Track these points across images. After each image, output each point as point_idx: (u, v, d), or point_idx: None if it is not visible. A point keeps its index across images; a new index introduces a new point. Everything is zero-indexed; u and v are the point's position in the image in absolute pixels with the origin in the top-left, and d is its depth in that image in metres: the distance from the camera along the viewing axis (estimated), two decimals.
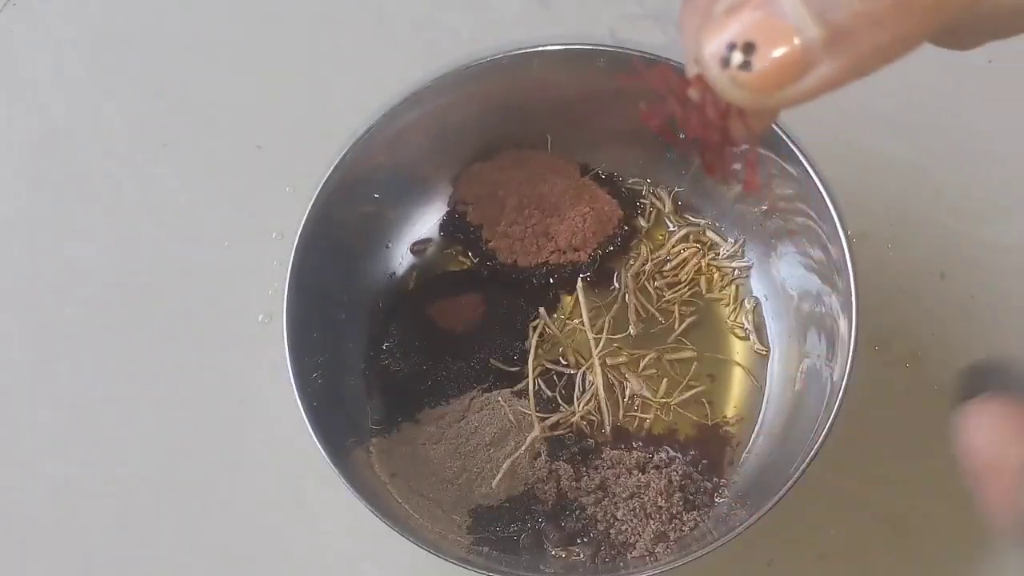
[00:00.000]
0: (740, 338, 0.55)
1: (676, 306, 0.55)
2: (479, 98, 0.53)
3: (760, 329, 0.54)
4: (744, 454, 0.52)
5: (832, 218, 0.46)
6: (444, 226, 0.57)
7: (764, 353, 0.54)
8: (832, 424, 0.44)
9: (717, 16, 0.21)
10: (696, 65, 0.23)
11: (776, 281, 0.54)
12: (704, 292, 0.56)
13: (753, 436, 0.52)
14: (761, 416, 0.53)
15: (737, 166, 0.29)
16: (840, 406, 0.44)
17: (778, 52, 0.20)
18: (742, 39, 0.21)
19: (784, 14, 0.20)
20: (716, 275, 0.56)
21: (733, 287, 0.55)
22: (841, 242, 0.46)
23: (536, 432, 0.51)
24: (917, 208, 0.58)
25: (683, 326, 0.54)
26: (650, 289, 0.56)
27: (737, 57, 0.21)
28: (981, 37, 0.26)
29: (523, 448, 0.51)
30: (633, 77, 0.28)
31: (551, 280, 0.56)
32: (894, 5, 0.19)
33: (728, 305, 0.55)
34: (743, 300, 0.55)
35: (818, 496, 0.52)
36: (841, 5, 0.20)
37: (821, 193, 0.46)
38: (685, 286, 0.55)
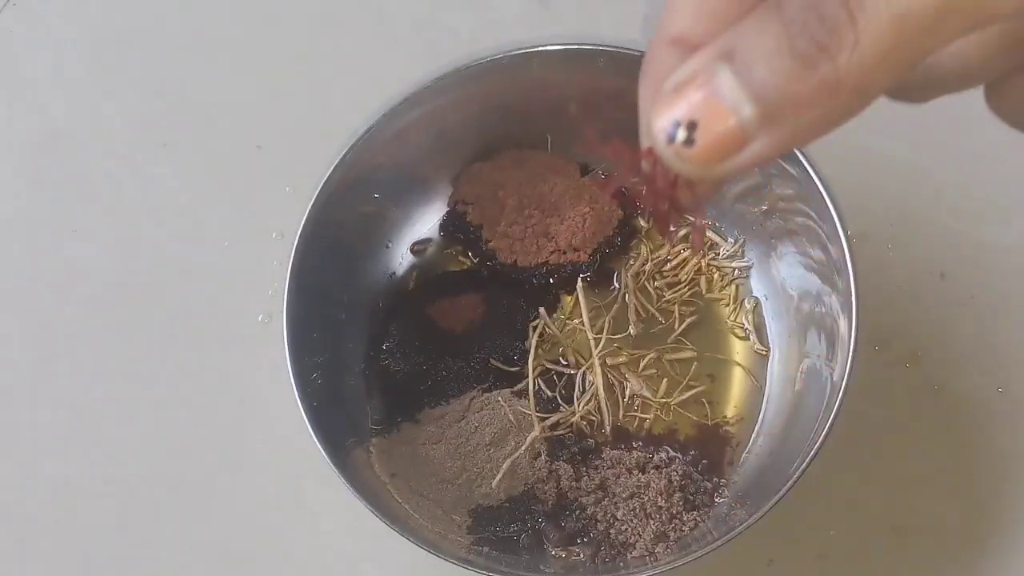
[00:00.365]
0: (740, 338, 0.55)
1: (676, 306, 0.55)
2: (479, 98, 0.53)
3: (760, 329, 0.54)
4: (744, 454, 0.52)
5: (832, 218, 0.46)
6: (444, 226, 0.57)
7: (764, 353, 0.54)
8: (832, 424, 0.44)
9: (666, 93, 0.23)
10: (647, 138, 0.25)
11: (776, 281, 0.54)
12: (704, 292, 0.55)
13: (753, 436, 0.52)
14: (761, 416, 0.53)
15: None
16: (840, 406, 0.44)
17: (718, 129, 0.22)
18: (686, 118, 0.22)
19: (723, 95, 0.22)
20: (716, 275, 0.56)
21: (733, 287, 0.55)
22: (841, 242, 0.46)
23: (536, 432, 0.51)
24: (917, 208, 0.58)
25: (683, 326, 0.54)
26: (650, 289, 0.55)
27: (681, 134, 0.22)
28: (934, 94, 0.28)
29: (523, 448, 0.51)
30: (589, 150, 0.29)
31: (551, 280, 0.56)
32: (819, 88, 0.21)
33: (728, 305, 0.55)
34: (743, 300, 0.55)
35: (818, 496, 0.52)
36: (773, 87, 0.21)
37: (821, 193, 0.46)
38: (685, 286, 0.55)
